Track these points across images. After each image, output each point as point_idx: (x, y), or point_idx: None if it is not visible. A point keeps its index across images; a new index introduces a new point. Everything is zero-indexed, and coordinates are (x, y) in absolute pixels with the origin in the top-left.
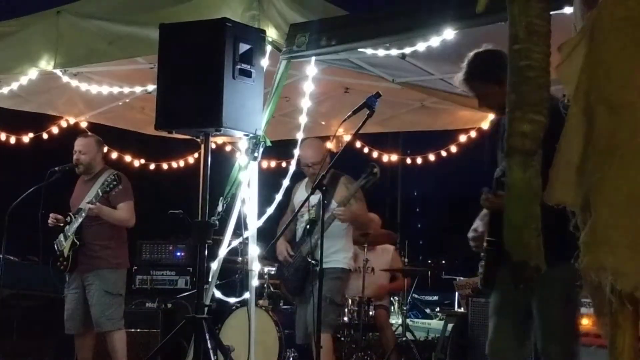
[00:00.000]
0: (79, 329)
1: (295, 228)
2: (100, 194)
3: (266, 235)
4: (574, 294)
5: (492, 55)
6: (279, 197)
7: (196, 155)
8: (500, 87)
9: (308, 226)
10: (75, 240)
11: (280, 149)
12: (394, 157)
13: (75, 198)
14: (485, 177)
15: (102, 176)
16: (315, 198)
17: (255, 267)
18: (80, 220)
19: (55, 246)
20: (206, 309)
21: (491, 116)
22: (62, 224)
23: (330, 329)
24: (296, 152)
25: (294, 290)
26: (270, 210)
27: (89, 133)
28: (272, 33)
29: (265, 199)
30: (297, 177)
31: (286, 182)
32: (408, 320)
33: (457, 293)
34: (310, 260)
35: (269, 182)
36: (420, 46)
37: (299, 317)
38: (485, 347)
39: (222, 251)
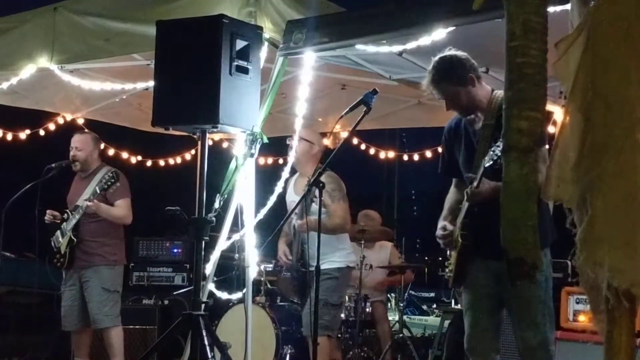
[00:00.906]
0: (76, 325)
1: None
2: (98, 191)
3: (266, 227)
4: (548, 281)
5: (457, 58)
6: (278, 189)
7: (193, 152)
8: (465, 88)
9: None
10: (72, 237)
11: (277, 145)
12: (391, 154)
13: (72, 195)
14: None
15: (99, 173)
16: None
17: (253, 267)
18: (77, 217)
19: (52, 243)
20: (203, 305)
21: None
22: (59, 221)
23: (327, 330)
24: (294, 143)
25: (299, 292)
26: (270, 203)
27: (86, 130)
28: (269, 30)
29: (262, 196)
30: (293, 172)
31: (285, 174)
32: (405, 317)
33: (453, 290)
34: (300, 267)
35: (265, 178)
36: (417, 43)
37: (304, 315)
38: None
39: (219, 248)
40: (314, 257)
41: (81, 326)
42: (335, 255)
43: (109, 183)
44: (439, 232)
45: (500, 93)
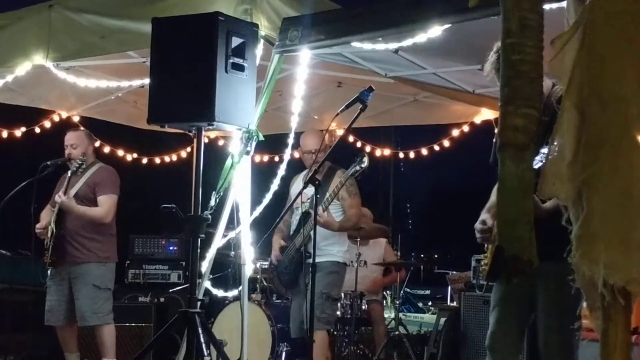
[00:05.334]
0: (61, 322)
1: (291, 221)
2: (69, 175)
3: (262, 224)
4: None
5: None
6: (274, 186)
7: (189, 149)
8: None
9: (302, 217)
10: (54, 229)
11: (273, 143)
12: (387, 152)
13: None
14: (478, 171)
15: (91, 169)
16: (312, 190)
17: (249, 264)
18: (56, 210)
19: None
20: (199, 303)
21: (484, 111)
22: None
23: (328, 325)
24: (290, 140)
25: (288, 283)
26: (266, 199)
27: (81, 128)
28: (264, 27)
29: (257, 193)
30: (294, 168)
31: (281, 172)
32: (401, 314)
33: (449, 287)
34: (302, 252)
35: (261, 176)
36: (413, 40)
37: (293, 310)
38: (477, 341)
39: (215, 245)
40: (318, 247)
41: (65, 323)
42: (336, 249)
43: (77, 165)
44: (477, 225)
45: (560, 88)
